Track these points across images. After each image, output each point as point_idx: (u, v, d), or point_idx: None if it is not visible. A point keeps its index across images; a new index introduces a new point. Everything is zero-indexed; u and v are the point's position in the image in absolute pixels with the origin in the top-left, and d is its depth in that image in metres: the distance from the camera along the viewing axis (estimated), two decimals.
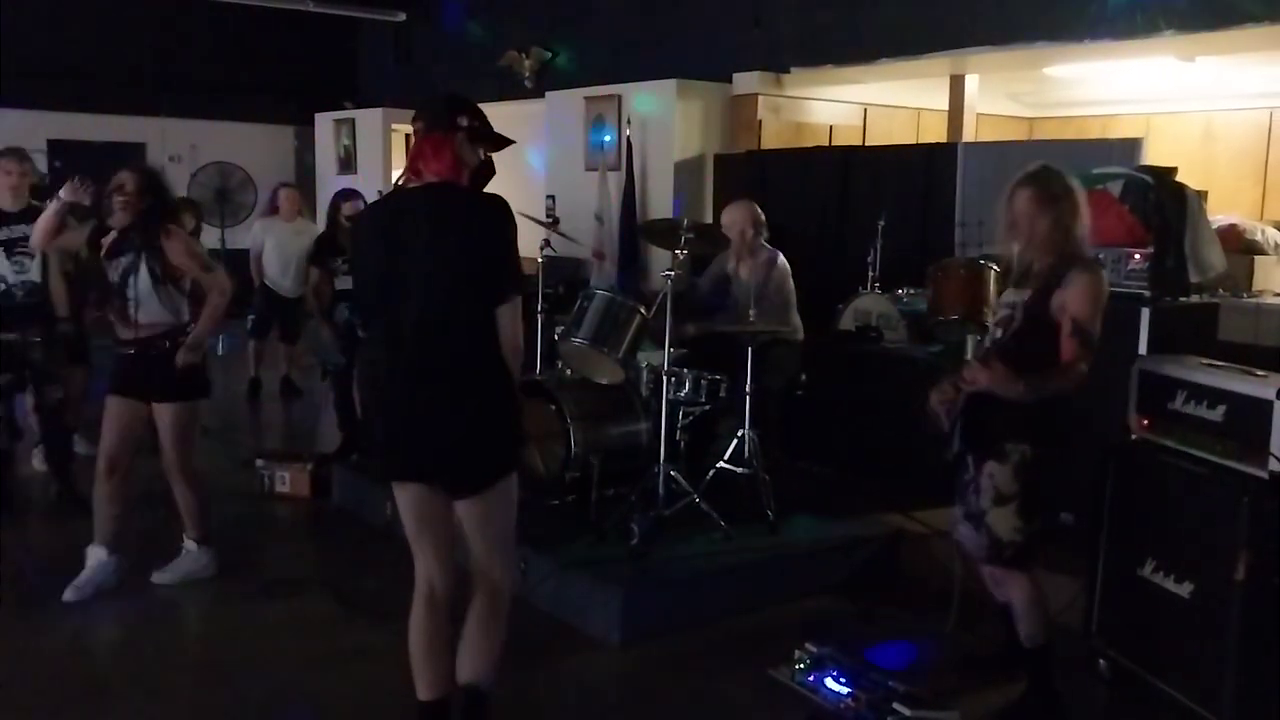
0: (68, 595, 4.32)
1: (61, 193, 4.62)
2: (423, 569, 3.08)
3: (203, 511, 4.66)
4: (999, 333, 3.49)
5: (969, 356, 3.41)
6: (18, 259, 5.40)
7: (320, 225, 8.37)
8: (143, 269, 4.33)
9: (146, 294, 4.35)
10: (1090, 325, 3.23)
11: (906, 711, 3.14)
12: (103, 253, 4.44)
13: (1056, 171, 3.41)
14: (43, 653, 3.97)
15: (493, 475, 3.03)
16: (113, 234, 4.42)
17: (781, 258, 5.53)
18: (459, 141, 2.96)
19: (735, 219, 5.53)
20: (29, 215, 5.27)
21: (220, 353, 6.20)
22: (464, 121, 2.98)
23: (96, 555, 4.45)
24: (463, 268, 2.92)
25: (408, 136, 12.33)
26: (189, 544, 4.65)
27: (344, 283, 6.29)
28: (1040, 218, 3.34)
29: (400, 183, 3.11)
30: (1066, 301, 3.25)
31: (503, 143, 3.08)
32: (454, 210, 2.97)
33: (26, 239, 5.22)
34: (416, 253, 2.91)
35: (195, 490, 4.63)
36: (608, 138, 9.28)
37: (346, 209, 6.39)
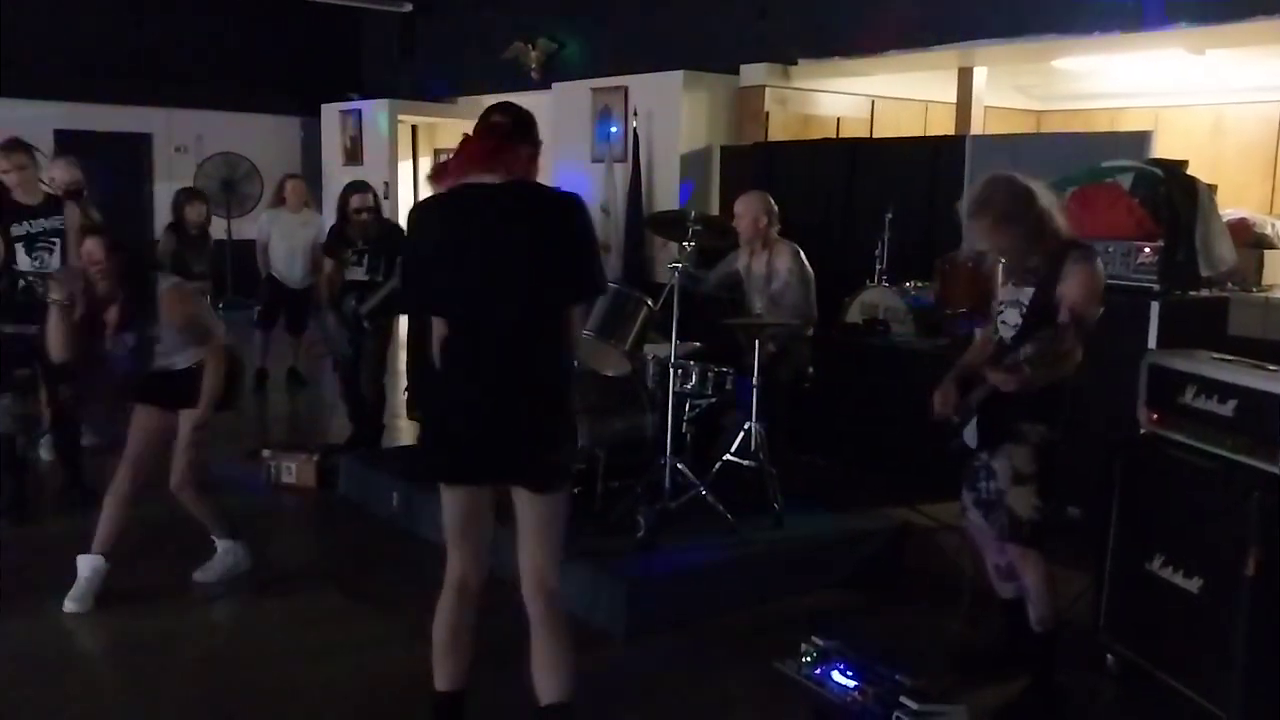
0: (69, 607, 4.15)
1: (52, 294, 4.15)
2: (458, 564, 3.03)
3: (220, 510, 4.58)
4: (1007, 332, 3.50)
5: (992, 363, 3.42)
6: (39, 254, 5.28)
7: (326, 216, 8.37)
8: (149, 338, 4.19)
9: (172, 351, 4.26)
10: (1086, 313, 3.26)
11: (913, 705, 3.13)
12: (108, 331, 4.22)
13: (998, 188, 3.41)
14: (45, 649, 3.95)
15: (563, 474, 3.04)
16: (112, 309, 4.21)
17: (801, 251, 5.54)
18: (529, 155, 2.96)
19: (749, 208, 5.51)
20: (48, 208, 5.26)
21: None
22: (540, 141, 3.00)
23: (92, 564, 4.25)
24: (562, 267, 2.91)
25: (414, 128, 12.47)
26: (221, 542, 4.54)
27: (353, 274, 6.30)
28: (1003, 236, 3.42)
29: (462, 179, 2.97)
30: (1064, 292, 3.30)
31: None
32: (548, 209, 2.94)
33: (46, 234, 5.19)
34: (514, 250, 2.85)
35: (207, 494, 4.53)
36: (614, 129, 9.26)
37: (355, 201, 6.39)
